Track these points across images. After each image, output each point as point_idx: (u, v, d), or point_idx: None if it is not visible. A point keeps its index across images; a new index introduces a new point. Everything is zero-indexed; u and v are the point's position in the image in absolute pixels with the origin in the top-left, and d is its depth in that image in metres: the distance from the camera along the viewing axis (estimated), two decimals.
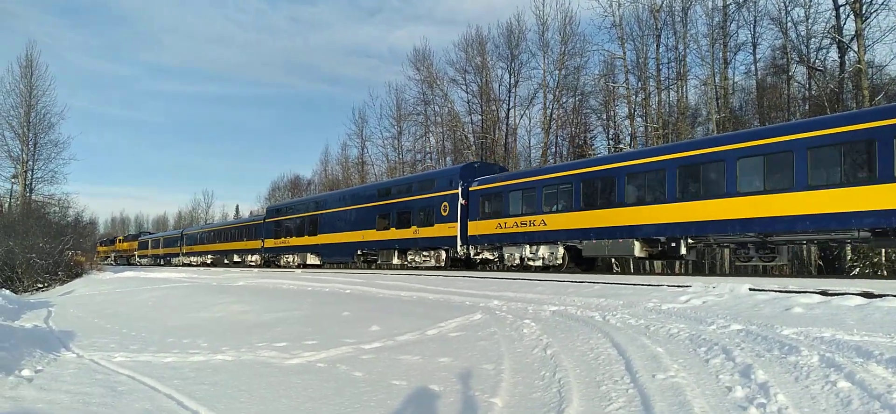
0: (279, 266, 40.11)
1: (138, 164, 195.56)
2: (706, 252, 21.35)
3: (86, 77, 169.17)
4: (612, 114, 39.23)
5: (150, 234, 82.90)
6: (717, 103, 32.42)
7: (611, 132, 40.05)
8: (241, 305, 16.08)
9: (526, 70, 43.13)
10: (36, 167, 47.78)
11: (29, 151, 47.24)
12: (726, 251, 18.78)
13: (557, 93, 40.20)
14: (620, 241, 19.57)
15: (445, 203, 26.62)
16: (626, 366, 6.88)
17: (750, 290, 10.89)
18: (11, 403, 6.23)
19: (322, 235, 35.39)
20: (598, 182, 20.47)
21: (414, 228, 28.26)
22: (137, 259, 76.96)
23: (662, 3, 33.96)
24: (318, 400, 6.39)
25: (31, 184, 47.50)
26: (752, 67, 34.37)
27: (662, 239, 18.79)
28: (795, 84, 30.97)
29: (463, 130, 46.68)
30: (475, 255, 25.84)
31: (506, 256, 24.27)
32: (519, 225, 23.27)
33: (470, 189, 25.77)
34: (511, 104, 44.17)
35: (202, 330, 12.10)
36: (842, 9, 26.62)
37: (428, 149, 51.72)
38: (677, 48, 34.40)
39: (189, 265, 55.42)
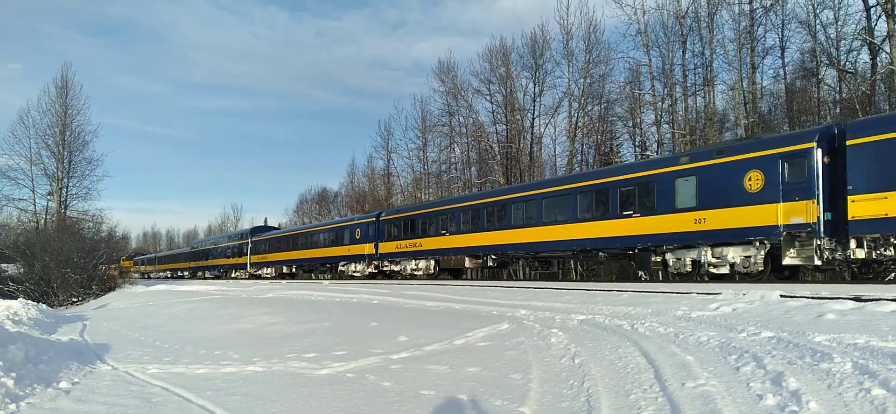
0: (204, 278, 63.19)
1: (170, 178, 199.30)
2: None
3: (118, 95, 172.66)
4: (639, 121, 39.01)
5: (143, 254, 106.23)
6: (746, 108, 32.04)
7: (637, 139, 39.81)
8: (270, 317, 16.28)
9: (550, 79, 43.01)
10: (70, 184, 48.98)
11: (64, 169, 48.40)
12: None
13: (583, 101, 39.99)
14: (292, 267, 46.37)
15: (245, 246, 54.21)
16: (655, 374, 6.84)
17: (781, 296, 10.74)
18: None
19: (210, 260, 63.95)
20: (293, 238, 46.55)
21: (235, 258, 56.14)
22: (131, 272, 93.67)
23: (688, 9, 33.71)
24: (349, 410, 6.46)
25: (65, 200, 48.63)
26: (781, 71, 33.94)
27: (296, 266, 45.72)
28: (826, 87, 30.47)
29: (488, 140, 46.66)
30: (257, 271, 51.62)
31: (264, 272, 50.47)
32: (266, 258, 50.18)
33: (252, 239, 53.20)
34: (536, 113, 44.04)
35: (233, 341, 12.28)
36: (873, 10, 26.20)
37: (453, 159, 51.79)
38: (703, 54, 34.05)
39: (160, 277, 79.08)
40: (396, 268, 32.93)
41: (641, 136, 39.21)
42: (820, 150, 15.24)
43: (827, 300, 9.76)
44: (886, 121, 14.68)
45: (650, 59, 35.35)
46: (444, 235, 28.80)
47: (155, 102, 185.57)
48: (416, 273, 31.07)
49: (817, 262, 15.16)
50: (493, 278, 30.87)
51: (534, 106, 44.25)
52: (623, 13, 35.48)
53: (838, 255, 15.22)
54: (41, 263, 36.25)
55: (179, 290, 36.54)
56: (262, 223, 72.46)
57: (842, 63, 28.93)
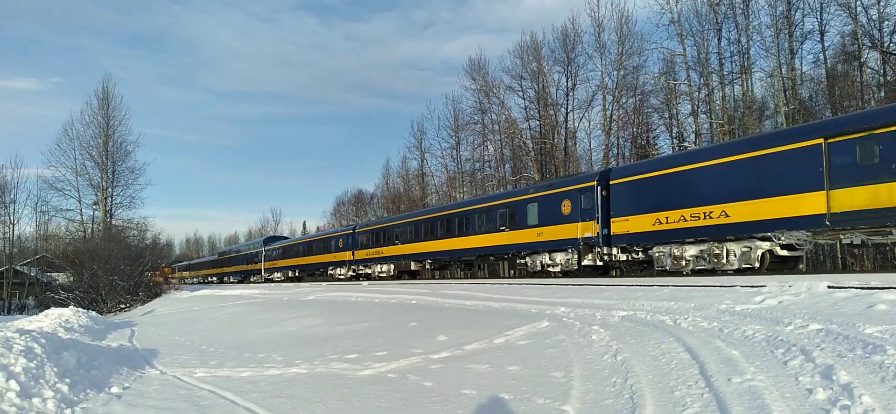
0: (229, 282, 69.16)
1: (210, 185, 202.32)
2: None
3: (157, 105, 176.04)
4: (675, 112, 38.32)
5: (178, 262, 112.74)
6: (785, 95, 31.28)
7: (674, 131, 39.09)
8: (311, 319, 16.48)
9: (583, 72, 42.39)
10: (115, 193, 50.52)
11: (108, 179, 49.91)
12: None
13: (617, 94, 39.49)
14: (296, 271, 51.20)
15: (259, 254, 60.63)
16: (700, 370, 6.75)
17: (828, 287, 10.48)
18: None
19: (234, 266, 70.00)
20: (296, 247, 52.12)
21: (253, 265, 62.21)
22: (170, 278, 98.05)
23: None
24: (391, 410, 6.52)
25: (110, 210, 50.11)
26: (821, 56, 32.99)
27: (299, 271, 50.56)
28: (869, 71, 29.53)
29: (521, 137, 46.36)
30: (270, 275, 57.28)
31: (275, 276, 55.43)
32: (276, 264, 55.39)
33: (265, 248, 59.52)
34: (569, 108, 43.53)
35: (276, 344, 12.48)
36: None
37: (486, 157, 51.52)
38: (740, 41, 33.30)
39: (193, 283, 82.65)
40: (369, 271, 39.29)
41: (678, 127, 38.52)
42: (600, 187, 21.23)
43: (877, 290, 9.48)
44: (628, 169, 21.09)
45: (685, 49, 34.73)
46: (397, 244, 35.46)
47: (192, 111, 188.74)
48: (381, 275, 37.66)
49: (599, 262, 21.47)
50: (440, 277, 36.34)
51: (567, 100, 43.78)
52: (655, 3, 34.87)
53: (614, 258, 20.85)
54: (89, 272, 37.39)
55: (223, 294, 37.21)
56: (273, 233, 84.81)
57: (885, 44, 28.02)
